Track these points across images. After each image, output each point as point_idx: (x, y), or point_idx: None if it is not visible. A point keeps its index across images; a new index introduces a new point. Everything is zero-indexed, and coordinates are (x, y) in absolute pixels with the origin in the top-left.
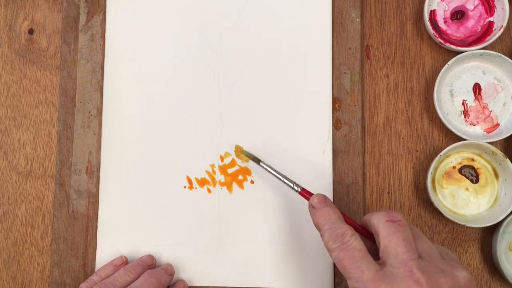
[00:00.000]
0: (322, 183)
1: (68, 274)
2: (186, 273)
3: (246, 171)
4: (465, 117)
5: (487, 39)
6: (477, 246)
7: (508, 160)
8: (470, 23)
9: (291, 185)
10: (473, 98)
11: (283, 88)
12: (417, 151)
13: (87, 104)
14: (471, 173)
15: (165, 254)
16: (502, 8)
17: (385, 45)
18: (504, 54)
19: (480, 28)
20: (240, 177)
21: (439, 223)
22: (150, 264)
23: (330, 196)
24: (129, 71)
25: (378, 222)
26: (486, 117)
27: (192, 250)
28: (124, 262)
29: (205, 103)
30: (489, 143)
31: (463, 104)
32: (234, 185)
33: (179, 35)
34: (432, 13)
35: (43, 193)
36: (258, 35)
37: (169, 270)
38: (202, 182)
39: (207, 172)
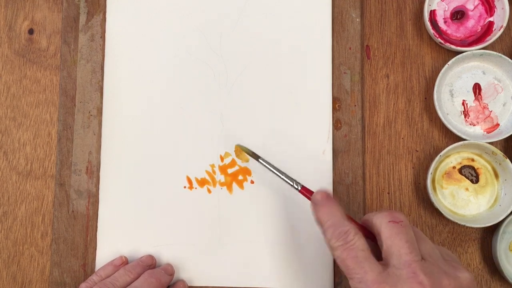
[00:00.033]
0: (322, 183)
1: (68, 274)
2: (186, 273)
3: (246, 171)
4: (465, 117)
5: (487, 39)
6: (477, 246)
7: (508, 160)
8: (470, 23)
9: (291, 183)
10: (473, 98)
11: (283, 88)
12: (417, 151)
13: (87, 104)
14: (471, 173)
15: (165, 254)
16: (502, 8)
17: (385, 45)
18: (504, 54)
19: (480, 28)
20: (240, 177)
21: (439, 223)
22: (150, 264)
23: None
24: (129, 71)
25: (381, 222)
26: (486, 117)
27: (192, 250)
28: (124, 262)
29: (205, 103)
30: (489, 143)
31: (463, 104)
32: (234, 185)
33: (179, 35)
34: (432, 13)
35: (43, 193)
36: (258, 35)
37: (169, 270)
38: (202, 182)
39: (207, 172)
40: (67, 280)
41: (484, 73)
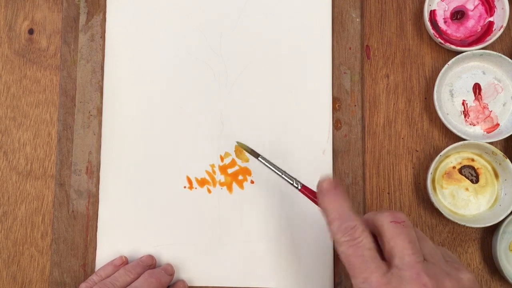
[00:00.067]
0: None
1: (68, 274)
2: (186, 273)
3: (246, 171)
4: (465, 117)
5: (487, 39)
6: (477, 246)
7: (508, 160)
8: (470, 23)
9: (291, 181)
10: (473, 98)
11: (283, 88)
12: (417, 151)
13: (87, 104)
14: (471, 173)
15: (165, 254)
16: (502, 8)
17: (385, 45)
18: (504, 54)
19: (480, 28)
20: (240, 177)
21: (439, 223)
22: (150, 264)
23: None
24: (129, 71)
25: (382, 222)
26: (486, 117)
27: (192, 250)
28: (124, 262)
29: (205, 103)
30: (489, 143)
31: (463, 104)
32: (234, 185)
33: (179, 35)
34: (432, 13)
35: (43, 193)
36: (258, 35)
37: (169, 270)
38: (202, 182)
39: (207, 172)
40: (67, 280)
41: (484, 73)
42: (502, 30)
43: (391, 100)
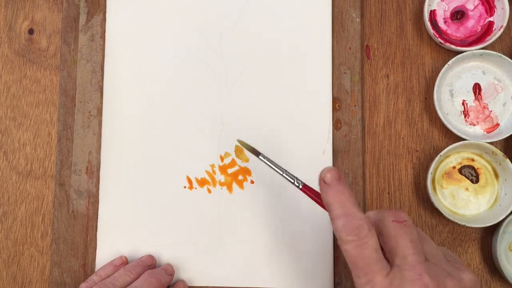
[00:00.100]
0: None
1: (68, 274)
2: (186, 273)
3: (246, 171)
4: (465, 117)
5: (487, 39)
6: (477, 246)
7: (508, 160)
8: (470, 23)
9: (292, 180)
10: (473, 98)
11: (283, 88)
12: (417, 151)
13: (87, 104)
14: (471, 173)
15: (165, 254)
16: (502, 8)
17: (385, 45)
18: (504, 54)
19: (480, 28)
20: (240, 177)
21: (439, 223)
22: (150, 264)
23: None
24: (129, 71)
25: (384, 221)
26: (486, 117)
27: (192, 250)
28: (124, 262)
29: (205, 103)
30: (489, 143)
31: (463, 104)
32: (234, 185)
33: (179, 35)
34: (432, 13)
35: (43, 193)
36: (258, 35)
37: (169, 270)
38: (202, 182)
39: (207, 172)
40: (67, 280)
41: (484, 73)
42: (502, 30)
43: (391, 100)
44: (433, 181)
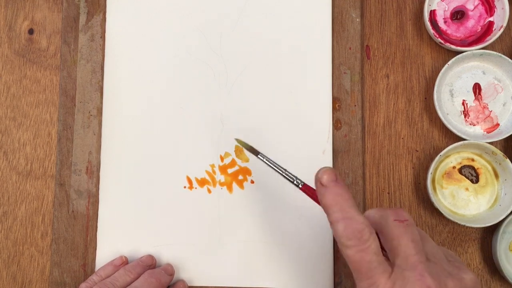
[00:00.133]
0: None
1: (68, 274)
2: (186, 273)
3: (246, 171)
4: (465, 117)
5: (487, 39)
6: (477, 246)
7: (508, 160)
8: (470, 23)
9: (292, 180)
10: (473, 98)
11: (283, 88)
12: (417, 151)
13: (87, 104)
14: (471, 173)
15: (165, 254)
16: (502, 8)
17: (385, 45)
18: (504, 54)
19: (480, 28)
20: (240, 177)
21: (439, 223)
22: (150, 264)
23: None
24: (129, 71)
25: (385, 220)
26: (486, 117)
27: (192, 250)
28: (124, 262)
29: (205, 103)
30: (489, 143)
31: (463, 104)
32: (234, 185)
33: (179, 35)
34: (432, 13)
35: (43, 193)
36: (258, 35)
37: (169, 270)
38: (202, 182)
39: (207, 172)
40: (67, 280)
41: (484, 73)
42: (502, 30)
43: (391, 100)
44: (433, 181)
